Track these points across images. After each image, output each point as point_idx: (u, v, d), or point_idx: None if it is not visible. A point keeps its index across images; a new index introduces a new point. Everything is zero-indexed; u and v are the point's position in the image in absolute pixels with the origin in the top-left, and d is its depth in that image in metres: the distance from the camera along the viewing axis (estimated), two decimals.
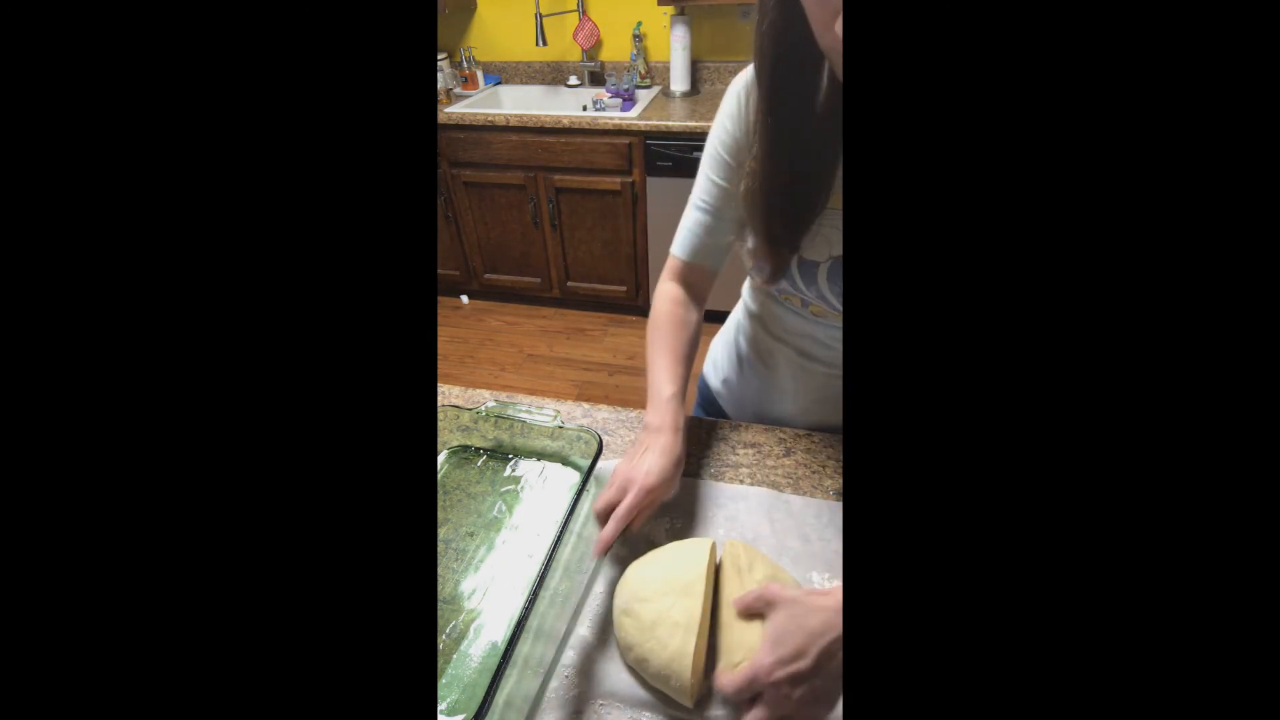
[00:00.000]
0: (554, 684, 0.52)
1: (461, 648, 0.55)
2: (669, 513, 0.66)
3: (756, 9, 0.54)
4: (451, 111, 2.25)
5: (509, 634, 0.50)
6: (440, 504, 0.67)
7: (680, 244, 0.73)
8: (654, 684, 0.51)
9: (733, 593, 0.53)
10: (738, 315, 0.86)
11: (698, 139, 2.04)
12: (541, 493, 0.68)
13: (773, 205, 0.60)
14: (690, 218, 0.72)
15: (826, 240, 0.62)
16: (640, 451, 0.60)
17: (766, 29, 0.53)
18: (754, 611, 0.50)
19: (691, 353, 0.72)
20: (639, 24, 2.40)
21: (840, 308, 0.66)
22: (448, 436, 0.72)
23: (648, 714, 0.50)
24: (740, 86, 0.64)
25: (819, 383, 0.75)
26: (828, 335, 0.71)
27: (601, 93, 2.39)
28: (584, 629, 0.56)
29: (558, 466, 0.71)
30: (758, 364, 0.82)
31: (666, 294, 0.74)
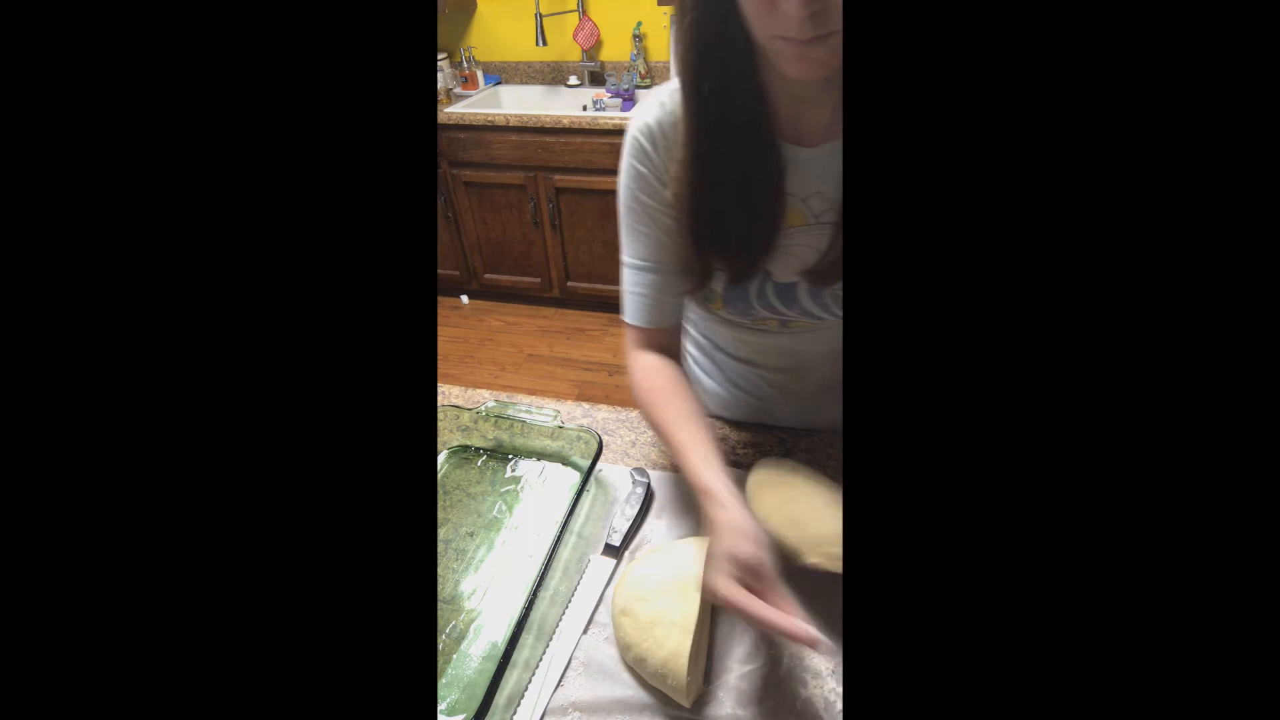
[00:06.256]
0: (554, 683, 0.52)
1: (461, 648, 0.55)
2: (664, 513, 0.66)
3: (676, 8, 0.49)
4: (451, 111, 2.25)
5: (509, 634, 0.50)
6: (440, 504, 0.67)
7: (635, 313, 0.64)
8: (652, 683, 0.51)
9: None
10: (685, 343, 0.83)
11: None
12: (541, 493, 0.68)
13: (715, 223, 0.56)
14: (634, 281, 0.63)
15: (795, 257, 0.59)
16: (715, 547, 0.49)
17: (689, 26, 0.48)
18: None
19: (703, 414, 0.61)
20: (639, 24, 2.40)
21: (822, 315, 0.64)
22: (448, 436, 0.72)
23: (647, 714, 0.50)
24: (640, 127, 0.58)
25: (754, 385, 0.76)
26: (778, 342, 0.69)
27: (601, 93, 2.38)
28: (583, 628, 0.56)
29: (558, 466, 0.71)
30: (702, 376, 0.81)
31: (646, 364, 0.64)
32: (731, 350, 0.74)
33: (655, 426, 0.62)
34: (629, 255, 0.63)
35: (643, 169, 0.59)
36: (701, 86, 0.51)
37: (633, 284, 0.64)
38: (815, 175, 0.56)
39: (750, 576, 0.46)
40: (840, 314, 0.63)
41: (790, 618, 0.43)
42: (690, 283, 0.62)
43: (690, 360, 0.82)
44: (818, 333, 0.67)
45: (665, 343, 0.66)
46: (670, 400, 0.61)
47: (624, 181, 0.61)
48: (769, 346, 0.70)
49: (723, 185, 0.54)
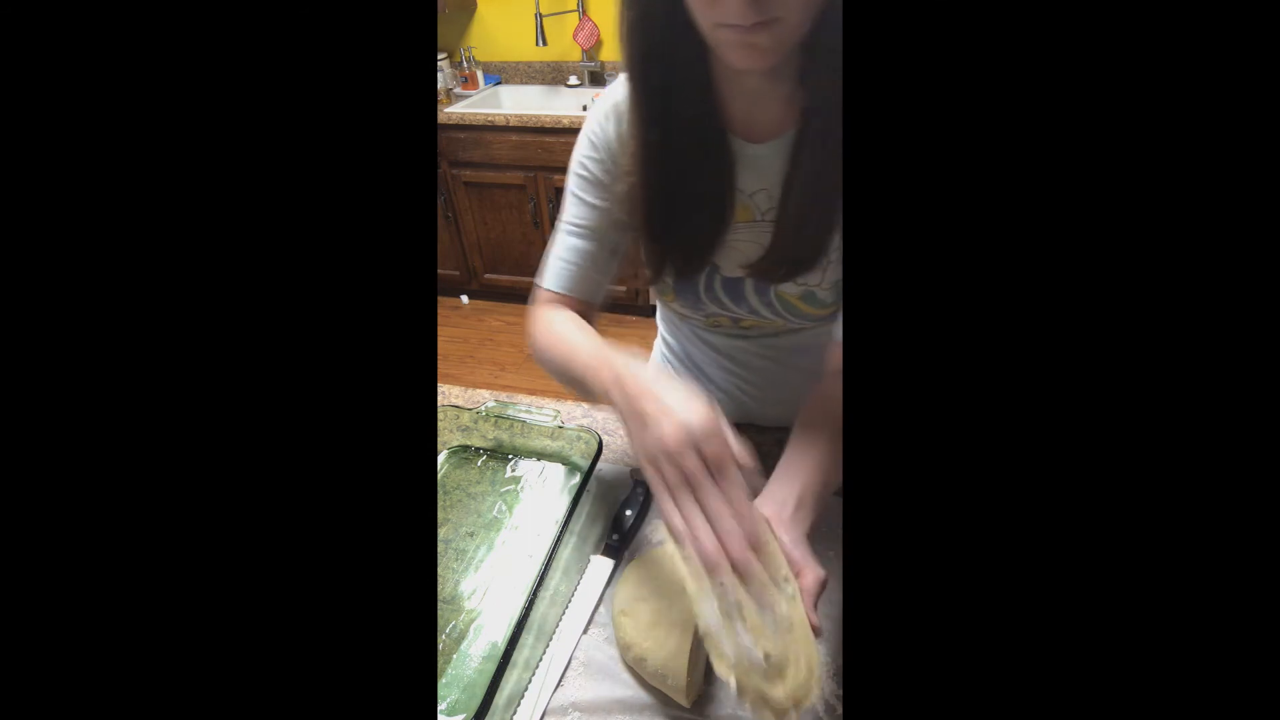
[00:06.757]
0: (554, 683, 0.52)
1: (461, 648, 0.55)
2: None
3: (621, 2, 0.48)
4: (451, 111, 2.25)
5: (509, 634, 0.50)
6: (440, 504, 0.67)
7: (555, 277, 0.62)
8: (653, 683, 0.51)
9: None
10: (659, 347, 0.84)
11: None
12: (541, 493, 0.68)
13: (665, 215, 0.56)
14: (565, 245, 0.62)
15: (740, 252, 0.59)
16: (647, 408, 0.42)
17: (636, 19, 0.48)
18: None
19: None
20: None
21: (771, 317, 0.64)
22: (448, 436, 0.72)
23: (647, 714, 0.50)
24: (603, 105, 0.59)
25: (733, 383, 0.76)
26: (733, 344, 0.70)
27: (601, 92, 2.38)
28: (583, 629, 0.56)
29: (558, 466, 0.71)
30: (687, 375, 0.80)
31: (553, 314, 0.61)
32: (699, 353, 0.75)
33: (550, 352, 0.57)
34: (566, 220, 0.62)
35: (597, 140, 0.60)
36: (649, 80, 0.51)
37: (561, 249, 0.62)
38: (762, 172, 0.56)
39: (704, 460, 0.39)
40: (789, 317, 0.64)
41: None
42: (651, 277, 0.63)
43: (667, 366, 0.82)
44: (773, 337, 0.68)
45: (581, 315, 0.63)
46: (576, 333, 0.56)
47: (578, 152, 0.61)
48: (731, 349, 0.71)
49: (672, 178, 0.54)
